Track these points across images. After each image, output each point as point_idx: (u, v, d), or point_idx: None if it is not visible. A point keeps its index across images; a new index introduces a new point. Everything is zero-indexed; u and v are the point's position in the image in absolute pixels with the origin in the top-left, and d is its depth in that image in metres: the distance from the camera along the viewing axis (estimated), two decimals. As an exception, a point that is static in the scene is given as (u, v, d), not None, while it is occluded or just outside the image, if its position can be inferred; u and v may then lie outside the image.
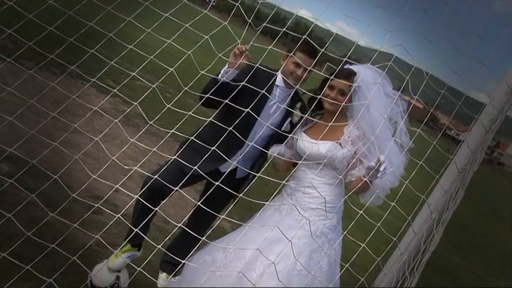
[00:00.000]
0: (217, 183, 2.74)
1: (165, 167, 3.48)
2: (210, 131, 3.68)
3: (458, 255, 11.32)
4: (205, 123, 3.63)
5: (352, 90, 3.36)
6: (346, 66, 3.45)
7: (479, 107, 3.07)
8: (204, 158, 3.21)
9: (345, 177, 3.33)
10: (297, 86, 3.65)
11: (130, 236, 3.80)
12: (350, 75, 3.39)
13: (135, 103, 3.01)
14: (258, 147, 3.45)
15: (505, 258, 13.94)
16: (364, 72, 3.37)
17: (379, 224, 2.76)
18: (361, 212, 2.58)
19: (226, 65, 3.49)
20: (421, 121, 2.93)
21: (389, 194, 3.38)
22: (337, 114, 3.22)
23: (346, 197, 3.30)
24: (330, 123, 3.18)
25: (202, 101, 3.50)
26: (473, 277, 10.32)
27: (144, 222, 3.43)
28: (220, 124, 2.99)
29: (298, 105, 3.72)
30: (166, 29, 3.06)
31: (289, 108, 3.64)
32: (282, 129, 3.65)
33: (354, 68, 3.43)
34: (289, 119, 3.73)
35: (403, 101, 3.40)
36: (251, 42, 3.28)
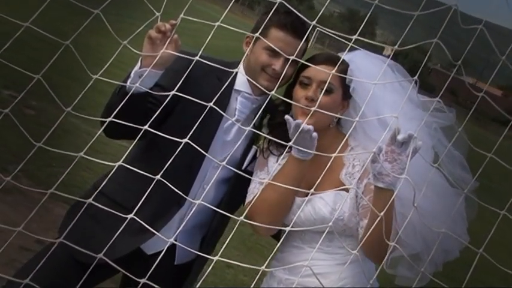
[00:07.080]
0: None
1: (43, 256, 1.90)
2: (122, 181, 2.27)
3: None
4: (113, 169, 2.12)
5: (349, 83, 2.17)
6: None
7: None
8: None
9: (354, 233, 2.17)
10: (273, 92, 2.14)
11: None
12: (335, 60, 2.15)
13: None
14: (209, 206, 1.96)
15: None
16: (361, 63, 2.20)
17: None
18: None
19: (139, 63, 2.09)
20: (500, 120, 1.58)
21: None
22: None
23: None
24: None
25: (103, 128, 2.12)
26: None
27: None
28: (136, 169, 1.66)
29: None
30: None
31: (257, 132, 2.14)
32: (244, 166, 2.34)
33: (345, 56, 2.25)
34: (254, 149, 2.36)
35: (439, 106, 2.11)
36: (181, 15, 1.81)
